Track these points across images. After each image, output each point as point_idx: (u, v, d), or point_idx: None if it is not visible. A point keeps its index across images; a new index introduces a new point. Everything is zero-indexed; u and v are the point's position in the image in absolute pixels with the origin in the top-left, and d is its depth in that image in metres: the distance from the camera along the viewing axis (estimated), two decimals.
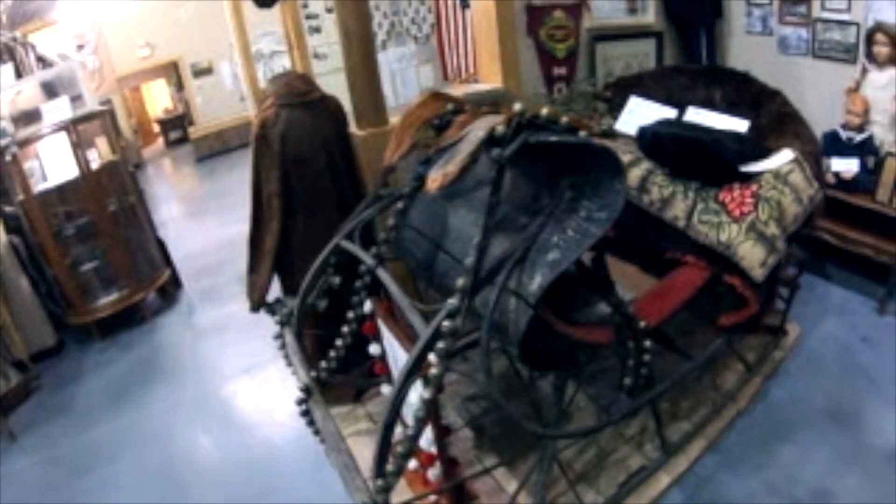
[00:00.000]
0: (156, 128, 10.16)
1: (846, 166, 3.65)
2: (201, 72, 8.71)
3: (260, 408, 3.54)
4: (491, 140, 1.81)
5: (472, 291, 1.77)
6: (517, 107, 1.79)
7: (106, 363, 4.13)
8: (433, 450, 2.37)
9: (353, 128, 2.82)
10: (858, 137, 3.70)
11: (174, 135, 9.81)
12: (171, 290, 4.75)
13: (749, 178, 2.47)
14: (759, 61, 4.08)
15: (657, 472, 2.62)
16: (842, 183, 3.66)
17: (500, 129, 1.78)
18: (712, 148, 2.42)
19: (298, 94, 2.73)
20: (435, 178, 1.82)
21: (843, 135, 3.74)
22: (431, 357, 1.76)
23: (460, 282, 1.75)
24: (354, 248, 2.30)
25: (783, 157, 2.54)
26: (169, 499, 2.94)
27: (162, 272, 4.65)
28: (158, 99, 10.01)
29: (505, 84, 3.04)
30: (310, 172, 2.73)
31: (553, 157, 1.88)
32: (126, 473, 3.14)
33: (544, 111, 1.80)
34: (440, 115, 2.12)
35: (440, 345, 1.72)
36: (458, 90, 3.08)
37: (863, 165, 3.65)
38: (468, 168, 1.81)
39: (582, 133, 1.84)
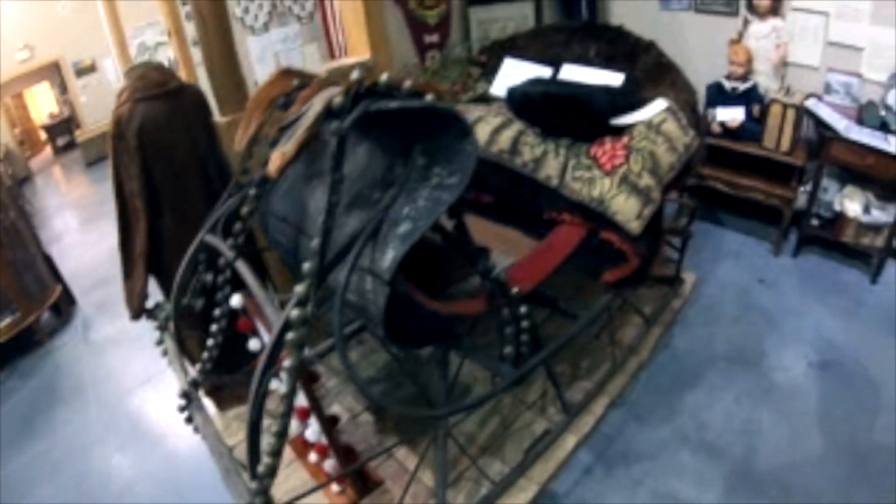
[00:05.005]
0: (43, 135, 9.51)
1: (732, 115, 3.72)
2: (84, 70, 8.14)
3: (166, 418, 3.38)
4: (330, 113, 1.70)
5: (323, 275, 1.67)
6: (354, 75, 1.68)
7: (7, 394, 3.87)
8: (324, 440, 2.29)
9: (216, 115, 2.66)
10: (742, 87, 3.78)
11: (62, 140, 9.19)
12: (64, 306, 4.45)
13: (621, 130, 2.45)
14: (641, 18, 4.10)
15: (562, 435, 2.63)
16: (728, 132, 3.73)
17: (338, 100, 1.67)
18: (582, 101, 2.38)
19: (154, 85, 2.53)
20: (274, 160, 1.70)
21: (728, 85, 3.81)
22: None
23: (306, 266, 1.65)
24: (216, 242, 2.16)
25: (656, 107, 2.53)
26: None
27: (52, 289, 4.35)
28: (43, 104, 9.33)
29: (374, 56, 2.92)
30: (173, 166, 2.55)
31: (403, 126, 1.79)
32: None
33: (384, 77, 1.70)
34: (287, 93, 1.99)
35: (290, 335, 1.62)
36: (329, 66, 2.95)
37: (748, 114, 3.73)
38: (308, 145, 1.69)
39: (429, 96, 1.76)
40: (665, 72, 2.81)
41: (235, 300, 2.29)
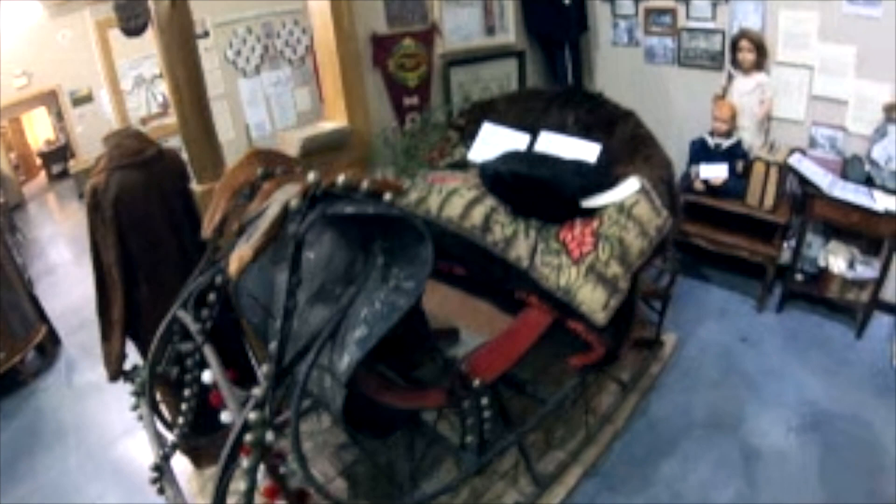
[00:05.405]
0: (38, 161, 9.54)
1: (715, 173, 3.71)
2: (81, 100, 8.13)
3: (147, 470, 3.39)
4: (288, 214, 1.72)
5: (280, 377, 1.68)
6: (311, 177, 1.70)
7: None
8: None
9: (193, 183, 2.68)
10: (726, 143, 3.77)
11: (57, 168, 9.19)
12: (49, 347, 4.48)
13: (592, 212, 2.44)
14: (626, 72, 4.12)
15: None
16: (711, 189, 3.72)
17: (294, 203, 1.69)
18: (552, 185, 2.38)
19: (130, 153, 2.55)
20: (232, 262, 1.72)
21: (711, 142, 3.80)
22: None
23: (265, 368, 1.67)
24: (188, 321, 2.17)
25: (628, 188, 2.51)
26: None
27: (38, 329, 4.37)
28: (40, 129, 9.35)
29: (351, 120, 2.92)
30: (149, 236, 2.57)
31: (364, 222, 1.80)
32: None
33: (341, 179, 1.71)
34: (251, 182, 2.01)
35: (248, 437, 1.63)
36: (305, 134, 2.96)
37: (732, 170, 3.72)
38: (265, 247, 1.71)
39: (387, 196, 1.77)
40: (641, 144, 2.79)
41: (206, 376, 2.30)
